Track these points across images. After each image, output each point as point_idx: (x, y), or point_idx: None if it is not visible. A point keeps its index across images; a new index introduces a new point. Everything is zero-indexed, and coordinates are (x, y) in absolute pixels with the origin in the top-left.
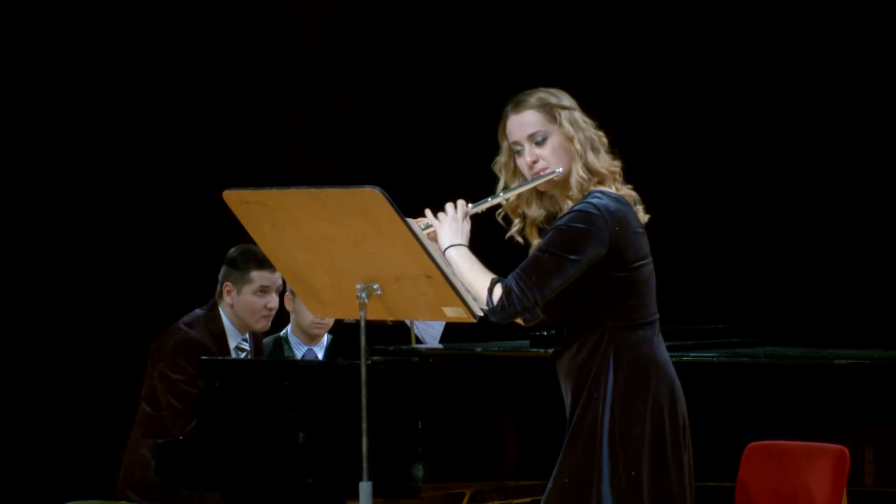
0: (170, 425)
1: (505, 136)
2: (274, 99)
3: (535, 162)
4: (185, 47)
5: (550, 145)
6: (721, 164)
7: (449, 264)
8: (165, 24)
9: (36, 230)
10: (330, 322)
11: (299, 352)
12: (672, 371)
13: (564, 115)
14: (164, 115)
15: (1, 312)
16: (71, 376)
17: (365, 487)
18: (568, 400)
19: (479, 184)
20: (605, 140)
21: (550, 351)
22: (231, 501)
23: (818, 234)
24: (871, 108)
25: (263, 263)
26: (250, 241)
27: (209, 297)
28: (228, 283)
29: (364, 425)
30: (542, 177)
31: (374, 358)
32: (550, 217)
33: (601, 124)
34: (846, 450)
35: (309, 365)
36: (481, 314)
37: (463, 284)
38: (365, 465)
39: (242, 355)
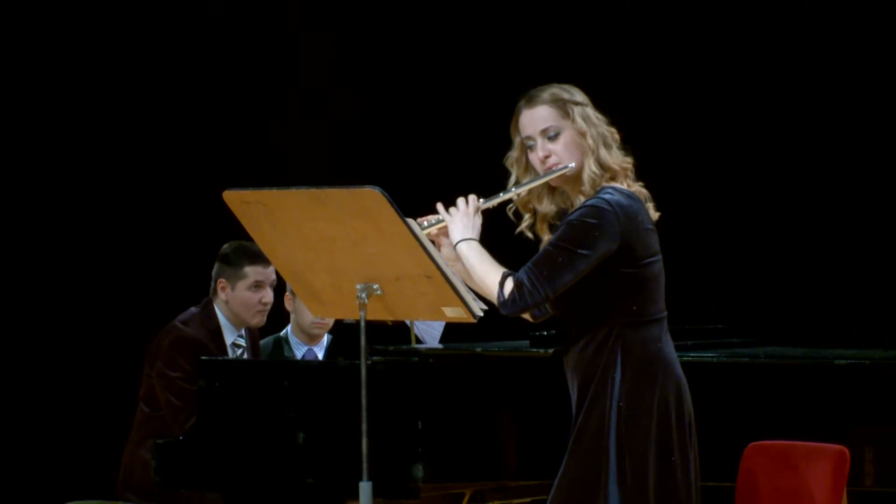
0: (169, 423)
1: (517, 131)
2: (274, 99)
3: (547, 157)
4: (185, 47)
5: (563, 140)
6: (721, 164)
7: (448, 264)
8: (165, 23)
9: (36, 230)
10: (330, 322)
11: (299, 352)
12: (679, 369)
13: (577, 110)
14: (164, 115)
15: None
16: (71, 376)
17: (365, 487)
18: (574, 395)
19: (479, 184)
20: (617, 136)
21: (550, 351)
22: (231, 501)
23: (818, 234)
24: (870, 108)
25: (256, 258)
26: (248, 239)
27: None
28: (222, 280)
29: (364, 425)
30: (554, 172)
31: (374, 358)
32: (561, 213)
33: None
34: (846, 450)
35: (309, 365)
36: (481, 314)
37: (463, 284)
38: (365, 465)
39: (239, 351)
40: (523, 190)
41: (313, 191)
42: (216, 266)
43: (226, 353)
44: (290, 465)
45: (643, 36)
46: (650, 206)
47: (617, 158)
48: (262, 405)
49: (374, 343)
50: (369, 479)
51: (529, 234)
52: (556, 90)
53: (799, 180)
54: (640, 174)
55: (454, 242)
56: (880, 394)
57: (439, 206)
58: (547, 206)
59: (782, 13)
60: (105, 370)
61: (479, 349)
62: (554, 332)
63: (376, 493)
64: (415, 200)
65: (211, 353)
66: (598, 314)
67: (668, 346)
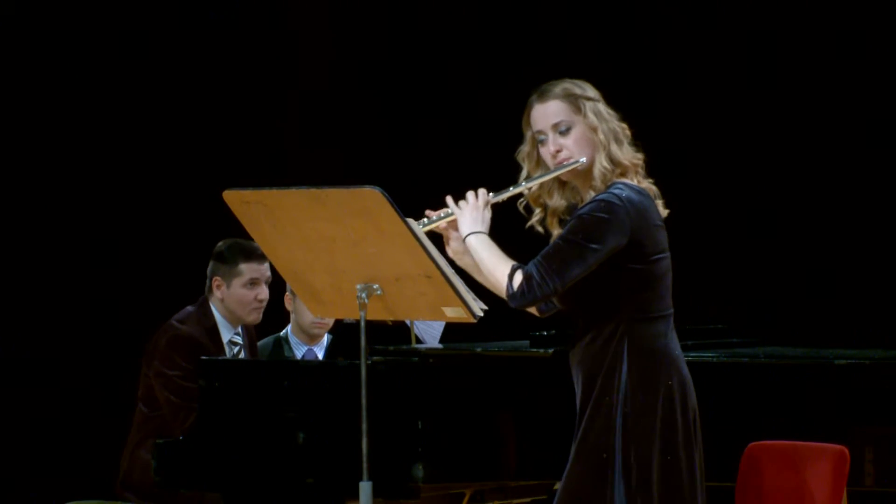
0: (169, 421)
1: (529, 125)
2: (274, 99)
3: (558, 151)
4: (185, 47)
5: (574, 135)
6: (720, 164)
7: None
8: (166, 23)
9: (36, 230)
10: (330, 322)
11: (299, 352)
12: (685, 367)
13: (589, 105)
14: (165, 115)
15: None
16: (71, 376)
17: (365, 487)
18: (579, 390)
19: (479, 183)
20: (628, 132)
21: (550, 351)
22: (231, 501)
23: (819, 234)
24: (870, 109)
25: (251, 255)
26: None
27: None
28: (217, 278)
29: (364, 425)
30: (565, 166)
31: (374, 358)
32: (571, 208)
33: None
34: (846, 450)
35: (309, 365)
36: (481, 314)
37: (463, 284)
38: (365, 465)
39: (236, 349)
40: (533, 184)
41: (313, 191)
42: (211, 264)
43: (223, 350)
44: (290, 465)
45: (643, 36)
46: (660, 203)
47: (628, 154)
48: (262, 405)
49: (374, 343)
50: (369, 479)
51: (540, 229)
52: (569, 85)
53: (799, 180)
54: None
55: (463, 235)
56: (880, 394)
57: (449, 200)
58: (557, 201)
59: (783, 13)
60: (105, 370)
61: (479, 349)
62: (554, 332)
63: (376, 493)
64: (415, 200)
65: (208, 350)
66: (606, 309)
67: (674, 342)
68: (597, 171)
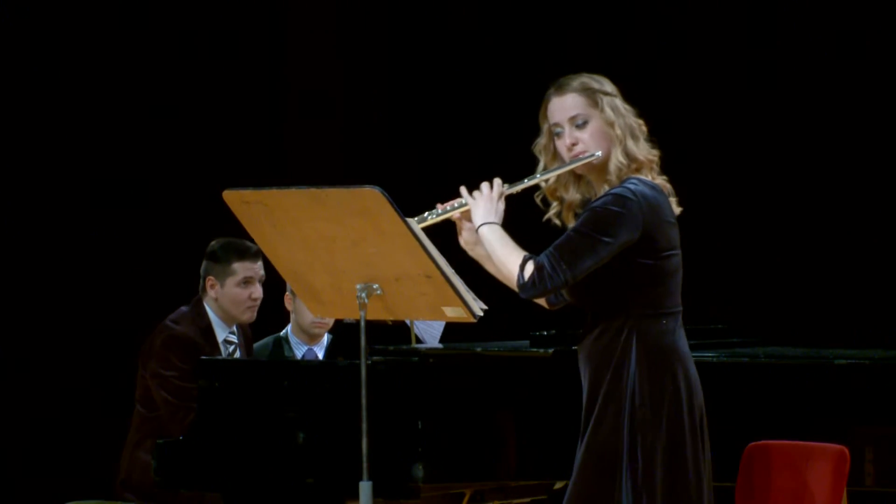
0: (167, 422)
1: (545, 118)
2: (274, 99)
3: (574, 144)
4: (185, 47)
5: (590, 129)
6: (720, 164)
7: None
8: (166, 23)
9: (36, 230)
10: (330, 322)
11: (299, 352)
12: (692, 365)
13: (606, 100)
14: (165, 115)
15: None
16: (71, 376)
17: (365, 487)
18: (586, 384)
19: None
20: (644, 128)
21: (550, 351)
22: (231, 501)
23: (819, 234)
24: (869, 108)
25: (244, 254)
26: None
27: None
28: (211, 278)
29: (364, 425)
30: (580, 160)
31: (374, 358)
32: (586, 202)
33: None
34: (846, 450)
35: (309, 365)
36: (481, 314)
37: (463, 284)
38: (365, 465)
39: (231, 348)
40: (548, 176)
41: (313, 191)
42: (204, 264)
43: (218, 350)
44: (290, 465)
45: (643, 36)
46: (673, 201)
47: (644, 150)
48: (262, 405)
49: (374, 343)
50: (369, 479)
51: (557, 222)
52: (586, 79)
53: (799, 180)
54: None
55: (476, 226)
56: (880, 394)
57: (463, 190)
58: (573, 195)
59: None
60: (105, 370)
61: (479, 349)
62: (554, 332)
63: (376, 493)
64: (415, 200)
65: (203, 350)
66: (615, 304)
67: (682, 340)
68: (612, 166)
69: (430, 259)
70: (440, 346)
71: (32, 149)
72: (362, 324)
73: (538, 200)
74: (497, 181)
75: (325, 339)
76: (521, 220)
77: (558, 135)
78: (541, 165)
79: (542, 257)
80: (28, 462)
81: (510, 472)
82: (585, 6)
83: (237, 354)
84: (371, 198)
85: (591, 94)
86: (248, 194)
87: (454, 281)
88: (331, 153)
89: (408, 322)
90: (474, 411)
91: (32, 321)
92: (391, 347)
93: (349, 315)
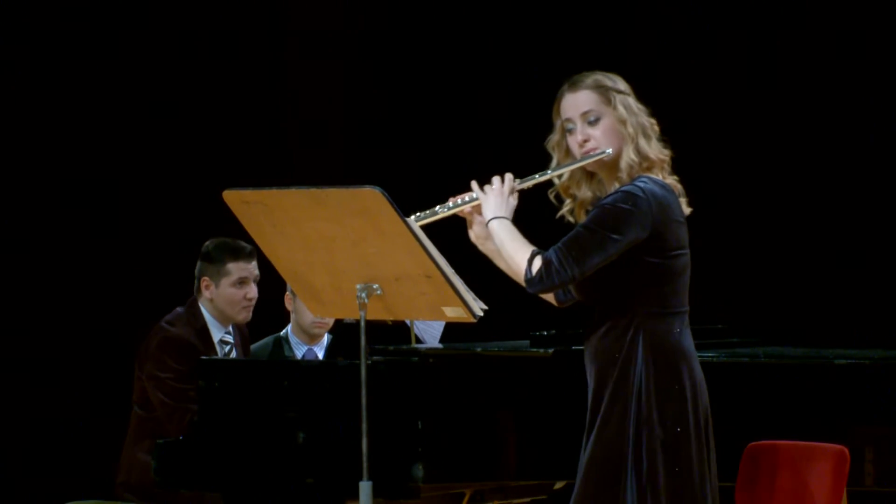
0: (164, 423)
1: (558, 114)
2: (274, 98)
3: (585, 141)
4: (185, 46)
5: (602, 126)
6: (720, 164)
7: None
8: (166, 23)
9: (35, 230)
10: (330, 322)
11: (299, 352)
12: (698, 365)
13: (619, 98)
14: (165, 115)
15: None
16: (71, 376)
17: (365, 487)
18: (591, 381)
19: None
20: (656, 128)
21: (550, 351)
22: (231, 501)
23: (819, 234)
24: (870, 109)
25: (239, 254)
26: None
27: None
28: (206, 278)
29: (364, 425)
30: (591, 156)
31: (374, 358)
32: (598, 200)
33: None
34: (846, 450)
35: (309, 365)
36: (481, 314)
37: (463, 284)
38: (365, 465)
39: (227, 348)
40: (558, 173)
41: (313, 191)
42: (198, 264)
43: (214, 350)
44: (290, 465)
45: (643, 35)
46: (683, 201)
47: (655, 149)
48: (262, 405)
49: (374, 343)
50: (369, 479)
51: (570, 219)
52: (600, 77)
53: (799, 180)
54: None
55: (486, 220)
56: (880, 394)
57: (474, 184)
58: (585, 192)
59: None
60: (105, 370)
61: (479, 349)
62: (554, 332)
63: (376, 493)
64: (415, 200)
65: (198, 351)
66: (621, 301)
67: (689, 340)
68: (623, 164)
69: (430, 259)
70: (440, 346)
71: (32, 149)
72: (362, 324)
73: (552, 197)
74: (508, 176)
75: (325, 339)
76: (534, 215)
77: (570, 131)
78: (554, 162)
79: (550, 252)
80: (28, 462)
81: (510, 472)
82: (585, 6)
83: (233, 354)
84: (371, 198)
85: (605, 92)
86: (248, 194)
87: (454, 281)
88: (331, 153)
89: (408, 322)
90: (474, 411)
91: (32, 321)
92: (391, 347)
93: (349, 315)
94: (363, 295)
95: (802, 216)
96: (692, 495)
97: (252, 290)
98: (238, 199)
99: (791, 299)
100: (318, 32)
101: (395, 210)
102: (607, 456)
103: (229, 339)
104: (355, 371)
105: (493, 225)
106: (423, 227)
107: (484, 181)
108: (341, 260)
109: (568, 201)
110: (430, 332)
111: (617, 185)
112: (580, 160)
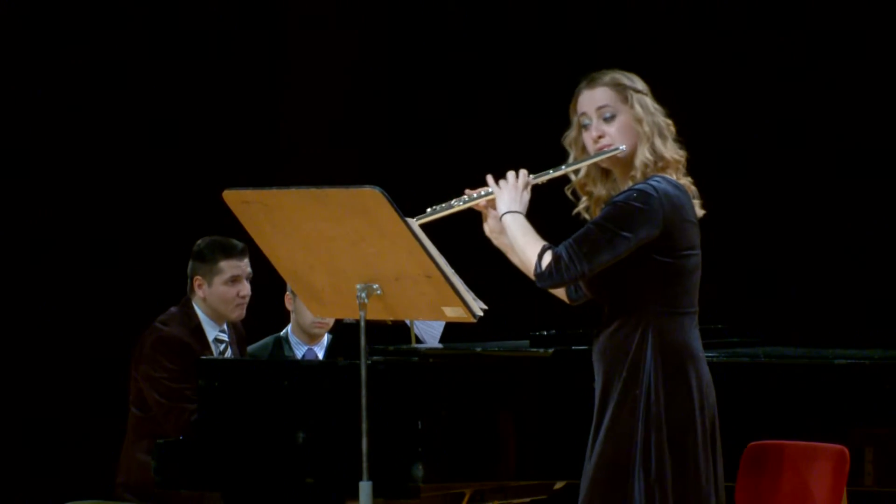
0: (161, 423)
1: (575, 110)
2: (274, 98)
3: (600, 136)
4: (185, 46)
5: (618, 123)
6: (720, 164)
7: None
8: (166, 22)
9: (36, 230)
10: (330, 322)
11: (299, 352)
12: (705, 366)
13: (636, 97)
14: (164, 115)
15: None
16: (70, 376)
17: (365, 487)
18: (599, 379)
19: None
20: (673, 129)
21: (550, 351)
22: (231, 501)
23: (819, 234)
24: (870, 110)
25: (231, 252)
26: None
27: None
28: (198, 277)
29: (364, 425)
30: (605, 153)
31: (374, 358)
32: (610, 198)
33: None
34: (846, 450)
35: (309, 365)
36: (481, 314)
37: (463, 284)
38: (365, 465)
39: (222, 346)
40: (572, 168)
41: (313, 191)
42: (191, 263)
43: (209, 349)
44: (290, 465)
45: (643, 35)
46: (696, 203)
47: (671, 150)
48: (261, 405)
49: (374, 343)
50: (369, 479)
51: (586, 216)
52: (618, 75)
53: (798, 181)
54: None
55: (500, 214)
56: (880, 394)
57: (489, 178)
58: (600, 190)
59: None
60: (104, 370)
61: (479, 349)
62: (554, 332)
63: (376, 493)
64: (415, 200)
65: (193, 350)
66: (631, 300)
67: (697, 341)
68: (638, 162)
69: (430, 259)
70: (440, 346)
71: (31, 148)
72: (362, 324)
73: (568, 193)
74: (523, 171)
75: (325, 339)
76: (549, 212)
77: (586, 126)
78: (570, 158)
79: (560, 248)
80: (28, 462)
81: (510, 472)
82: (585, 6)
83: (228, 353)
84: (371, 198)
85: (622, 90)
86: (248, 194)
87: (454, 281)
88: (331, 153)
89: (408, 322)
90: (474, 411)
91: (32, 321)
92: (391, 347)
93: (349, 315)
94: (363, 295)
95: (802, 216)
96: (699, 495)
97: (245, 288)
98: (238, 199)
99: (791, 299)
100: (319, 32)
101: (395, 210)
102: (616, 455)
103: (224, 337)
104: (355, 371)
105: (507, 219)
106: (423, 227)
107: (508, 171)
108: (341, 260)
109: (584, 198)
110: (430, 332)
111: (631, 184)
112: (594, 156)
